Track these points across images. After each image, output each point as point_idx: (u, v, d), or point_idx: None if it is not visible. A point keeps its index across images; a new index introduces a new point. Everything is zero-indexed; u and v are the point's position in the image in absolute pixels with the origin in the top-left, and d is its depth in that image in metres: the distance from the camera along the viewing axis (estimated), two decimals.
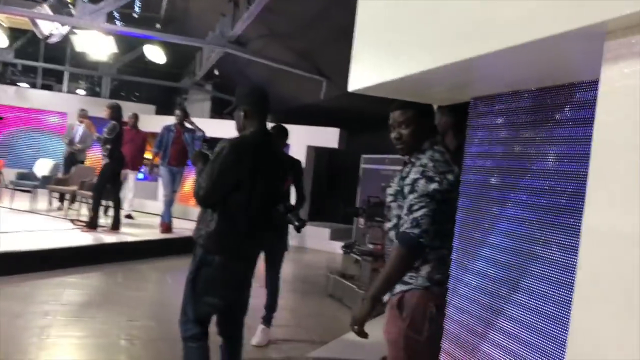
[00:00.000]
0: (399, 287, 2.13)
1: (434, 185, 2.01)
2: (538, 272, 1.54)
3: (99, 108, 10.09)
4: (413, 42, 1.62)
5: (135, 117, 9.01)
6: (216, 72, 11.30)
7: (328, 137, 10.12)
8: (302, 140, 10.35)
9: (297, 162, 4.31)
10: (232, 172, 2.61)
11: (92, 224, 7.43)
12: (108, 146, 7.35)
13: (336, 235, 9.87)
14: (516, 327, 1.61)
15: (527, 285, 1.58)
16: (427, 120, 2.25)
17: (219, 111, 12.94)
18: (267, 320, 4.29)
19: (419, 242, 1.96)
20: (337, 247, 9.05)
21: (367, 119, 10.20)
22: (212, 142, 2.87)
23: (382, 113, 2.38)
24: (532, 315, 1.55)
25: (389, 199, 2.21)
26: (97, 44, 9.88)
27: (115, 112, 7.54)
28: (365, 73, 1.81)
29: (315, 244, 9.56)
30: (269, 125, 3.71)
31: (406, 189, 2.07)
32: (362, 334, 2.05)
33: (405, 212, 2.03)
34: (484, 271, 1.79)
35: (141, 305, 5.08)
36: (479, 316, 1.80)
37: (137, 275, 6.25)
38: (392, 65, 1.67)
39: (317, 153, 10.70)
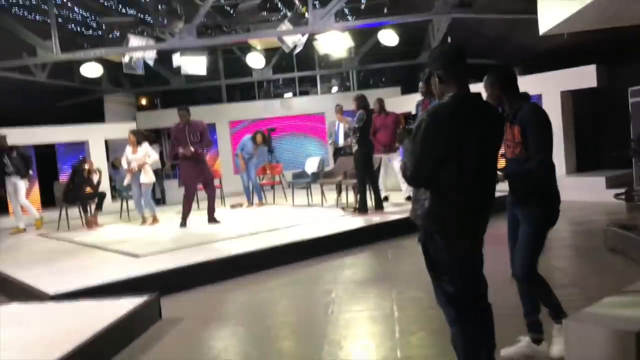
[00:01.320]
0: None
1: None
2: None
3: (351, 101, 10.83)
4: None
5: (380, 101, 9.32)
6: (449, 39, 11.12)
7: (584, 77, 9.14)
8: (553, 86, 9.54)
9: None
10: (434, 145, 2.37)
11: (361, 209, 8.12)
12: (357, 134, 7.94)
13: (613, 182, 8.83)
14: None
15: None
16: None
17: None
18: (557, 315, 3.31)
19: None
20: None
21: (628, 48, 8.88)
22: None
23: None
24: None
25: None
26: (335, 43, 10.60)
27: (361, 101, 8.21)
28: (553, 10, 1.65)
29: (589, 195, 8.71)
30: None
31: None
32: None
33: None
34: None
35: (409, 278, 5.33)
36: None
37: (403, 250, 6.56)
38: None
39: (574, 97, 9.74)
